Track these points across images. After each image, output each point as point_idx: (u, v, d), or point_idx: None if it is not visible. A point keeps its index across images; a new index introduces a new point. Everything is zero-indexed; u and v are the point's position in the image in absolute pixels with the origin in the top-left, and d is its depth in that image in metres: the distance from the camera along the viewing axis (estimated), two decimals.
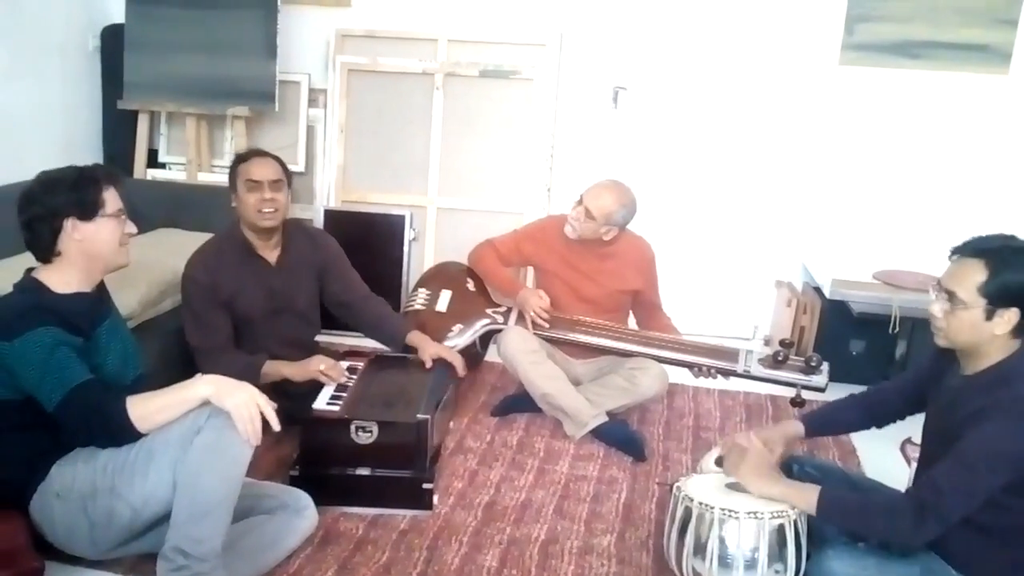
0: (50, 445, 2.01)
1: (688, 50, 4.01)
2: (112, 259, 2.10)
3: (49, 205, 2.00)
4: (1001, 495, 1.82)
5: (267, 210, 2.73)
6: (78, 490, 1.98)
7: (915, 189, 3.97)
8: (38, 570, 2.02)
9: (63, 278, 2.04)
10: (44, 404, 1.91)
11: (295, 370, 2.72)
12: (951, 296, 1.89)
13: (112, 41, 4.06)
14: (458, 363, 2.88)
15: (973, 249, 1.89)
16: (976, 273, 1.86)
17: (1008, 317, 1.85)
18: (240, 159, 2.81)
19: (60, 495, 1.99)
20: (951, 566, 1.95)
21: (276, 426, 1.97)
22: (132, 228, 2.14)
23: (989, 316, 1.85)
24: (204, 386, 1.95)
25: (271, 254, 2.85)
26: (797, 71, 3.95)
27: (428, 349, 2.88)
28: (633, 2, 3.98)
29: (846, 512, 1.98)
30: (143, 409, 1.93)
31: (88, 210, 2.03)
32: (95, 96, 4.14)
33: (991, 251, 1.87)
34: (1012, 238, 1.91)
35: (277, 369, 2.73)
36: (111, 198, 2.07)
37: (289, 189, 2.83)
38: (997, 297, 1.84)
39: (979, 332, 1.88)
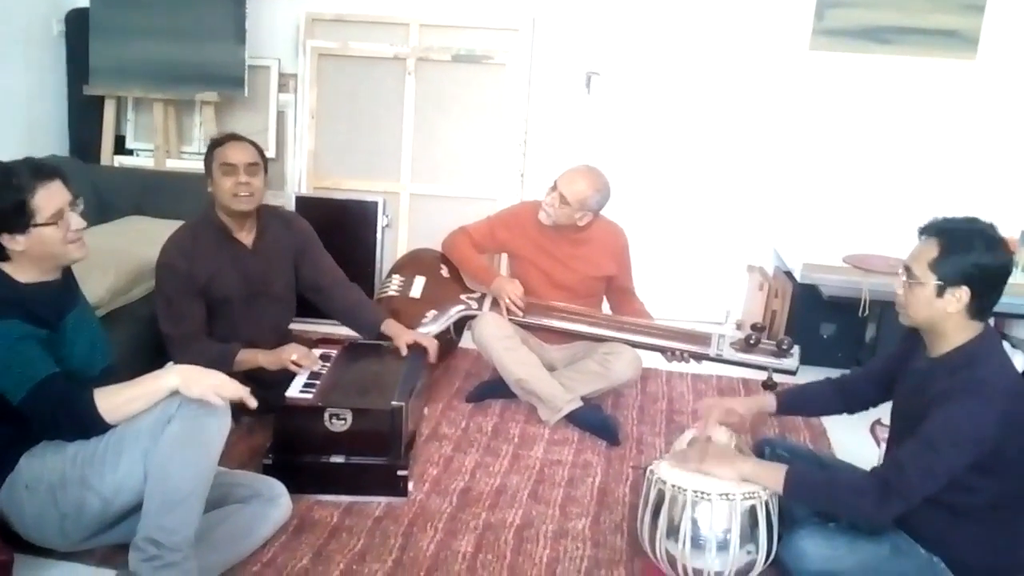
0: (18, 436, 1.98)
1: (660, 36, 4.01)
2: (61, 259, 2.01)
3: None
4: (966, 475, 1.86)
5: (243, 194, 2.70)
6: (47, 481, 1.95)
7: (884, 173, 4.02)
8: (6, 563, 1.99)
9: (23, 270, 1.99)
10: (9, 399, 1.88)
11: (269, 359, 2.70)
12: (908, 272, 1.95)
13: (77, 25, 3.98)
14: (432, 348, 2.87)
15: (935, 228, 1.94)
16: (930, 251, 1.91)
17: (959, 295, 1.89)
18: (216, 143, 2.78)
19: (29, 486, 1.96)
20: (919, 544, 1.99)
21: (253, 403, 1.96)
22: (78, 223, 2.00)
23: (940, 293, 1.90)
24: (172, 377, 1.93)
25: (247, 238, 2.83)
26: (768, 56, 3.97)
27: (403, 336, 2.87)
28: None
29: (812, 490, 2.01)
30: (111, 401, 1.90)
31: (17, 224, 1.91)
32: (60, 82, 4.06)
33: (948, 231, 1.92)
34: (974, 220, 1.95)
35: (252, 357, 2.71)
36: (43, 202, 1.93)
37: (265, 174, 2.80)
38: (946, 275, 1.89)
39: (932, 309, 1.92)
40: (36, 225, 1.92)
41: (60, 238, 1.96)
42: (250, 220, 2.82)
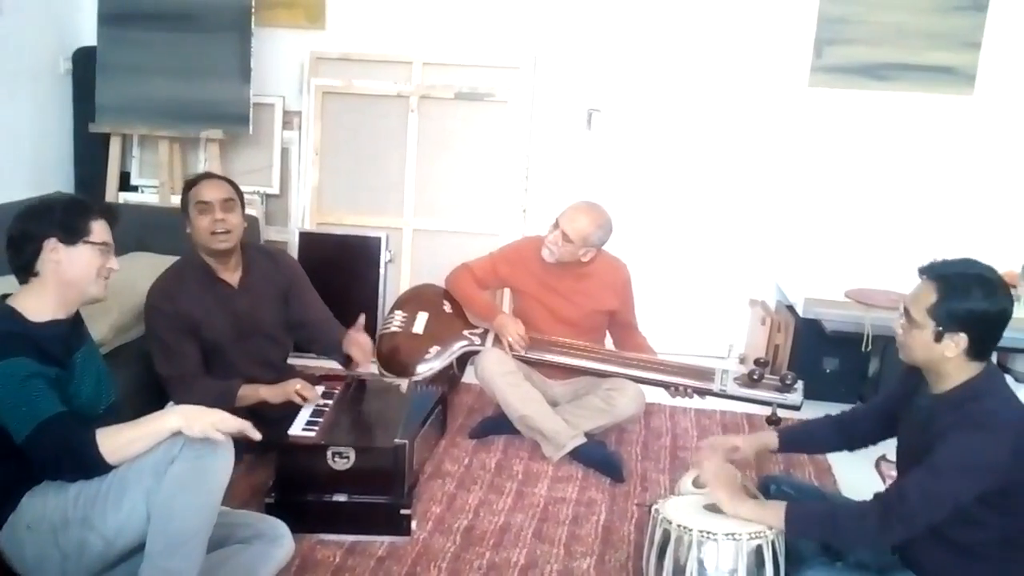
0: (20, 475, 1.97)
1: (661, 72, 4.06)
2: (87, 288, 2.07)
3: (38, 223, 2.01)
4: (974, 509, 1.85)
5: (219, 231, 2.70)
6: (49, 521, 1.93)
7: (885, 208, 4.04)
8: None
9: (38, 305, 2.01)
10: (13, 436, 1.87)
11: (273, 391, 2.70)
12: (907, 314, 1.95)
13: (84, 64, 4.03)
14: (361, 348, 2.83)
15: (934, 272, 1.94)
16: (929, 295, 1.91)
17: (957, 341, 1.89)
18: (189, 184, 2.78)
19: (31, 526, 1.95)
20: None
21: (256, 435, 1.96)
22: (115, 264, 2.11)
23: (938, 338, 1.90)
24: (173, 417, 1.92)
25: (232, 277, 2.83)
26: (767, 93, 4.01)
27: (351, 336, 2.84)
28: (606, 25, 4.03)
29: (814, 523, 2.00)
30: (113, 442, 1.89)
31: (73, 234, 2.01)
32: (66, 119, 4.10)
33: (946, 276, 1.91)
34: (972, 263, 1.95)
35: (254, 392, 2.71)
36: (99, 229, 2.06)
37: (243, 210, 2.80)
38: (945, 321, 1.89)
39: (931, 352, 1.92)
40: (86, 242, 2.02)
41: (97, 266, 2.05)
42: (234, 258, 2.81)
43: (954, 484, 1.83)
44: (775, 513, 2.01)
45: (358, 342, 2.85)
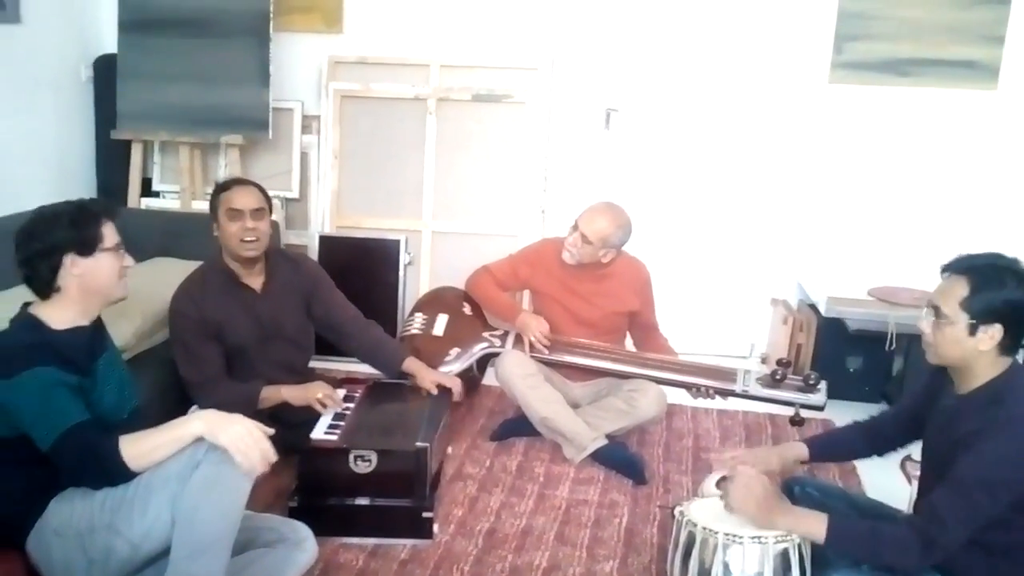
0: (47, 481, 1.99)
1: (679, 71, 4.04)
2: (111, 292, 2.09)
3: (48, 241, 1.99)
4: (1007, 513, 1.82)
5: (248, 239, 2.72)
6: (76, 527, 1.95)
7: (908, 205, 3.99)
8: None
9: (61, 313, 2.02)
10: (38, 444, 1.89)
11: (294, 394, 2.71)
12: (936, 311, 1.92)
13: (105, 71, 4.07)
14: (456, 388, 2.86)
15: (960, 266, 1.92)
16: (960, 289, 1.88)
17: (992, 333, 1.86)
18: (221, 188, 2.81)
19: (58, 532, 1.96)
20: None
21: (273, 456, 1.96)
22: (130, 261, 2.12)
23: (972, 332, 1.87)
24: (197, 423, 1.93)
25: (255, 281, 2.85)
26: (787, 90, 3.97)
27: (426, 376, 2.87)
28: (623, 24, 4.02)
29: (854, 543, 1.95)
30: (136, 449, 1.91)
31: (87, 245, 2.01)
32: (88, 126, 4.14)
33: (976, 268, 1.89)
34: (999, 256, 1.93)
35: (276, 393, 2.72)
36: (109, 232, 2.06)
37: (271, 217, 2.82)
38: (979, 313, 1.86)
39: (963, 347, 1.89)
40: (102, 250, 2.03)
41: (117, 269, 2.07)
42: (258, 264, 2.84)
43: (986, 503, 1.80)
44: (815, 525, 1.95)
45: (454, 383, 2.86)
